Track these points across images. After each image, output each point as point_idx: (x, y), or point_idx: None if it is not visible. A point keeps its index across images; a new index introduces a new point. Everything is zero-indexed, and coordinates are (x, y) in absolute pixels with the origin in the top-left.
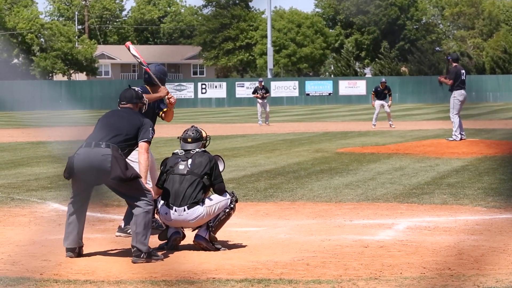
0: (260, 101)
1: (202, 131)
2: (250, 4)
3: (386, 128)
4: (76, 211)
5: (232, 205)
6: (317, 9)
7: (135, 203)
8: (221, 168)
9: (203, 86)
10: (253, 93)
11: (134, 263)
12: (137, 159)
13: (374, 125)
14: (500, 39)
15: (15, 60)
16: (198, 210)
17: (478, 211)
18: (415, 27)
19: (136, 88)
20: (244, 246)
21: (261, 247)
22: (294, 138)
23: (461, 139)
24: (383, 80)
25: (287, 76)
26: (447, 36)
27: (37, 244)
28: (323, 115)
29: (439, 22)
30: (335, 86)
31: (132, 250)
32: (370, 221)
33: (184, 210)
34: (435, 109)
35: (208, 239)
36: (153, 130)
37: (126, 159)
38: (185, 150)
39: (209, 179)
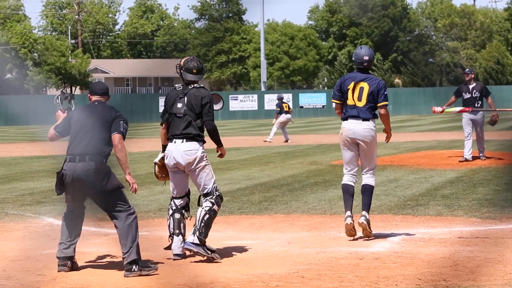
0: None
1: None
2: (243, 17)
3: (380, 140)
4: (69, 225)
5: (217, 200)
6: (310, 22)
7: (117, 215)
8: (219, 106)
9: None
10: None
11: (127, 277)
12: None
13: (271, 140)
14: (492, 50)
15: (9, 75)
16: (193, 145)
17: (473, 222)
18: (407, 38)
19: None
20: (239, 259)
21: (256, 260)
22: (288, 150)
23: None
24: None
25: (280, 88)
26: (440, 47)
27: (32, 258)
28: (317, 128)
29: (432, 33)
30: (329, 99)
31: (124, 264)
32: None
33: (182, 142)
34: (429, 120)
35: (197, 243)
36: (126, 123)
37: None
38: (187, 83)
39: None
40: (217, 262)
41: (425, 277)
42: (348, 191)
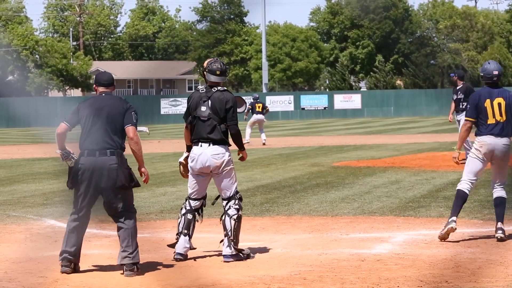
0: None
1: None
2: (245, 18)
3: (382, 141)
4: (75, 232)
5: (239, 204)
6: (311, 23)
7: (129, 214)
8: (242, 109)
9: None
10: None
11: (129, 276)
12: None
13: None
14: (494, 52)
15: (10, 77)
16: (220, 149)
17: (475, 224)
18: (409, 40)
19: None
20: (241, 261)
21: (258, 261)
22: (290, 152)
23: None
24: (256, 95)
25: (282, 90)
26: (442, 49)
27: (34, 260)
28: (318, 129)
29: (434, 35)
30: (330, 100)
31: (126, 263)
32: (367, 234)
33: (209, 146)
34: (430, 122)
35: (235, 253)
36: (136, 114)
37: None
38: (210, 85)
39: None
40: (252, 257)
41: (427, 278)
42: (463, 197)
